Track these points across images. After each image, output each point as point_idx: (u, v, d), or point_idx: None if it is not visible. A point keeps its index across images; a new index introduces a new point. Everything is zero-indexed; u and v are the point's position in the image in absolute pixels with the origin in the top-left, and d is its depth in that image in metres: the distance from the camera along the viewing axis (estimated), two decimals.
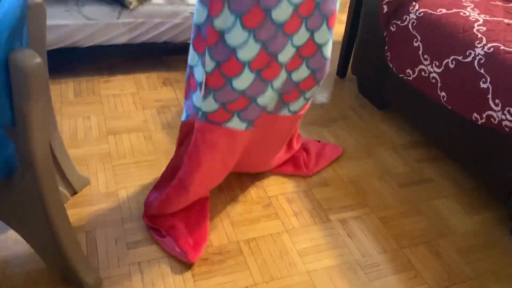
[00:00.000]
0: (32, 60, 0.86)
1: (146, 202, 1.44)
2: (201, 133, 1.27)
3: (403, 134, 1.95)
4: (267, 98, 1.30)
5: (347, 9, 3.01)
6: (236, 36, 1.14)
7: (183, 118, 1.37)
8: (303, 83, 1.33)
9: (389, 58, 1.84)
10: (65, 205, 1.41)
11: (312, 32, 1.23)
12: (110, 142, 1.74)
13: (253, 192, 1.56)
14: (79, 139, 1.74)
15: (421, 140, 1.92)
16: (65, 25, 1.96)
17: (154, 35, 2.13)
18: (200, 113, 1.26)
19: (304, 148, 1.74)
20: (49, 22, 1.94)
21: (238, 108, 1.26)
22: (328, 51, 1.30)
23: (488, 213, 1.57)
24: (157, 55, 2.42)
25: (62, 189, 1.40)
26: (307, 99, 1.40)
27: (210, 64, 1.18)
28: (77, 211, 1.41)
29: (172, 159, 1.44)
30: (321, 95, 2.21)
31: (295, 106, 1.39)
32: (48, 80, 1.21)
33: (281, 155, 1.62)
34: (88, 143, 1.72)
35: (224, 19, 1.12)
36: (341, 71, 2.37)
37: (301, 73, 1.31)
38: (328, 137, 1.89)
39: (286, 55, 1.24)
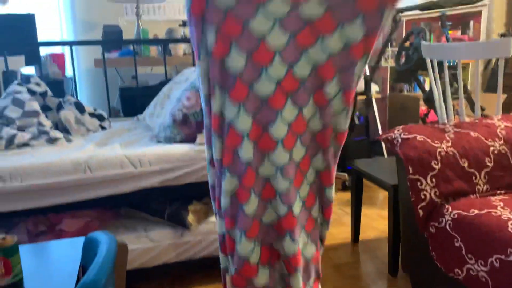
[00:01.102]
0: None
1: None
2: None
3: None
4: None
5: (387, 205, 3.18)
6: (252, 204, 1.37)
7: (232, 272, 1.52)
8: (306, 224, 1.43)
9: (435, 257, 1.90)
10: None
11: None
12: None
13: None
14: None
15: None
16: (134, 250, 2.21)
17: (211, 250, 2.34)
18: (232, 269, 1.43)
19: None
20: None
21: (263, 262, 1.41)
22: (331, 193, 1.46)
23: None
24: (214, 267, 2.58)
25: None
26: (314, 242, 1.46)
27: (221, 227, 1.44)
28: None
29: None
30: None
31: (306, 251, 1.45)
32: None
33: None
34: None
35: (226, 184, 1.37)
36: (392, 269, 2.41)
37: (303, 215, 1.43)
38: None
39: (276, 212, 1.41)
